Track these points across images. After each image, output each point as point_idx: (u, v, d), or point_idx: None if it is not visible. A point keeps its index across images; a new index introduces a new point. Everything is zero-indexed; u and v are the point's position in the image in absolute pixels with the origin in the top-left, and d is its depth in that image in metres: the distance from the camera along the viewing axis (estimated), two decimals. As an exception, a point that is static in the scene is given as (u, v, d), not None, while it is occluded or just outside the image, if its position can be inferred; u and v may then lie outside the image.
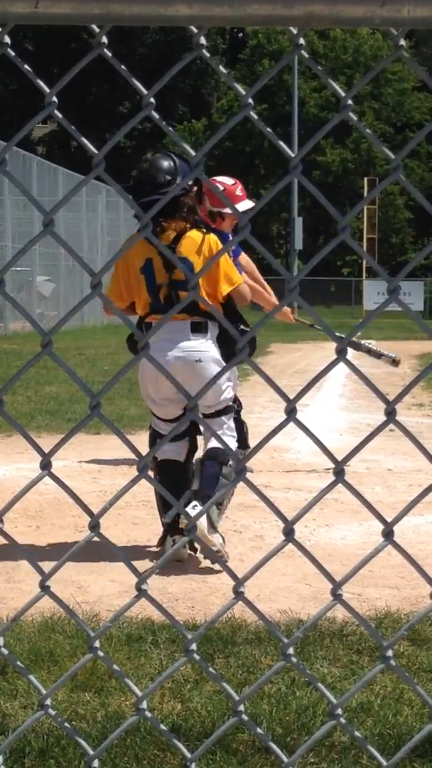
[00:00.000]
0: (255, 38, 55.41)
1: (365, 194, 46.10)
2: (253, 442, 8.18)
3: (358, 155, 54.76)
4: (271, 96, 52.83)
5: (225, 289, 5.23)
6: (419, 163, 55.62)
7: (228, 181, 7.22)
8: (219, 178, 7.02)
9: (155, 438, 5.54)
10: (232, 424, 5.49)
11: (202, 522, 4.95)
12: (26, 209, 27.56)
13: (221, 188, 6.78)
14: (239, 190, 7.11)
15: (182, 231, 5.21)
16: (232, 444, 5.48)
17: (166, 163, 5.22)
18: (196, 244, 5.19)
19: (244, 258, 7.41)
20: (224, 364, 5.20)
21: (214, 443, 5.29)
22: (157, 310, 5.18)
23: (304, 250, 45.79)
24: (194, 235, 5.20)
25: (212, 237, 5.25)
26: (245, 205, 7.01)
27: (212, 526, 5.13)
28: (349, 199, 52.25)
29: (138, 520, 6.20)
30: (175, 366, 5.10)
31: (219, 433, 5.30)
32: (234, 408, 5.59)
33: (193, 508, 4.95)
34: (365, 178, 48.49)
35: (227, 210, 6.43)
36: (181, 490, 5.15)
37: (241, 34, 59.42)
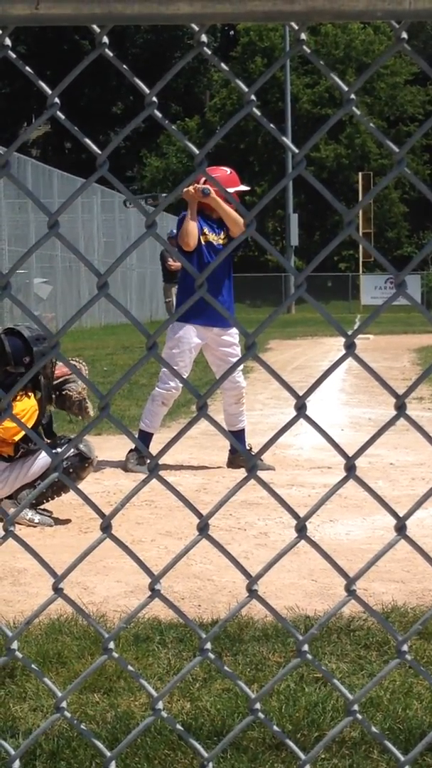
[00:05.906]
0: (246, 36, 55.32)
1: (360, 189, 46.09)
2: (254, 439, 8.19)
3: (352, 150, 54.75)
4: (264, 93, 52.76)
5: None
6: (413, 156, 55.58)
7: (225, 170, 8.00)
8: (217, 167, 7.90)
9: None
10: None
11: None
12: (21, 212, 27.55)
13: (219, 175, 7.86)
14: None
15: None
16: None
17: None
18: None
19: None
20: None
21: None
22: None
23: (300, 246, 45.84)
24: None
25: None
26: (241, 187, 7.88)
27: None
28: (344, 194, 52.23)
29: (142, 519, 6.20)
30: None
31: None
32: None
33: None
34: (359, 173, 48.47)
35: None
36: None
37: (232, 32, 59.33)
